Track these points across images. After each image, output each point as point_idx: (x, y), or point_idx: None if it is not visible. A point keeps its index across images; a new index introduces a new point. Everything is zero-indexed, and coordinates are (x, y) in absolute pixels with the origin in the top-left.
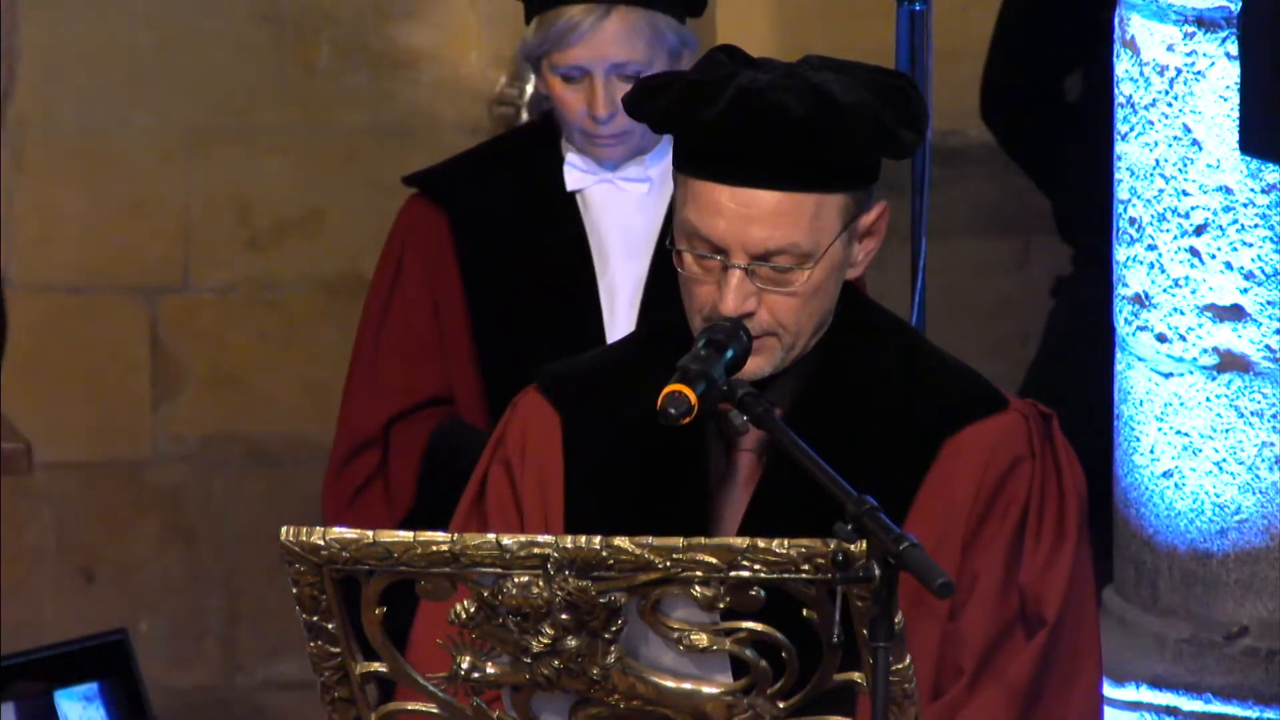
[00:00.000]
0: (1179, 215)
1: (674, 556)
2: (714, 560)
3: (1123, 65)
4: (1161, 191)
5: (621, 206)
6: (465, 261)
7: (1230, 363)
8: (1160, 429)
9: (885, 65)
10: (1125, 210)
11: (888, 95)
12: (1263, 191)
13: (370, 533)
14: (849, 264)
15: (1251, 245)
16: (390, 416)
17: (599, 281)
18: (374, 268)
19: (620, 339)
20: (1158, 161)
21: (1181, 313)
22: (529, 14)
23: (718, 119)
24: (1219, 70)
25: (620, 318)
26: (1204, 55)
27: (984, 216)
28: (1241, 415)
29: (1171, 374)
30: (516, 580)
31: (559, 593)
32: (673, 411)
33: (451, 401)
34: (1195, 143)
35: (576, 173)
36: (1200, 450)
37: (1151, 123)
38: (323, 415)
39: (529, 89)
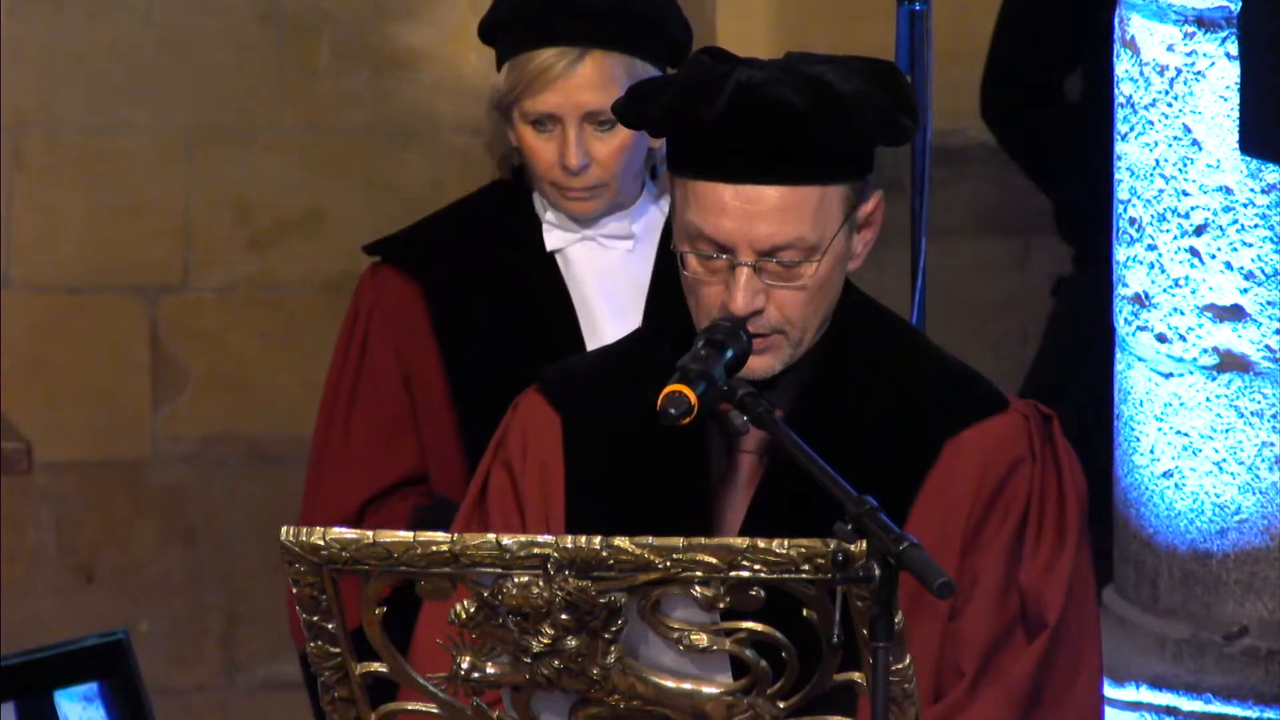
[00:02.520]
0: (1179, 215)
1: (674, 556)
2: (714, 560)
3: (1123, 65)
4: (1161, 191)
5: (606, 264)
6: (443, 332)
7: (1230, 363)
8: (1160, 429)
9: None
10: (1125, 210)
11: (881, 81)
12: (1263, 191)
13: (370, 533)
14: (850, 256)
15: (1251, 245)
16: (364, 500)
17: (587, 344)
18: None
19: (619, 339)
20: (1158, 161)
21: (1181, 313)
22: (500, 60)
23: (719, 117)
24: (1219, 70)
25: None
26: (1204, 55)
27: (984, 216)
28: (1241, 415)
29: (1171, 374)
30: (516, 580)
31: (559, 593)
32: (673, 412)
33: (426, 480)
34: (1195, 143)
35: (556, 232)
36: (1200, 450)
37: (1151, 123)
38: None
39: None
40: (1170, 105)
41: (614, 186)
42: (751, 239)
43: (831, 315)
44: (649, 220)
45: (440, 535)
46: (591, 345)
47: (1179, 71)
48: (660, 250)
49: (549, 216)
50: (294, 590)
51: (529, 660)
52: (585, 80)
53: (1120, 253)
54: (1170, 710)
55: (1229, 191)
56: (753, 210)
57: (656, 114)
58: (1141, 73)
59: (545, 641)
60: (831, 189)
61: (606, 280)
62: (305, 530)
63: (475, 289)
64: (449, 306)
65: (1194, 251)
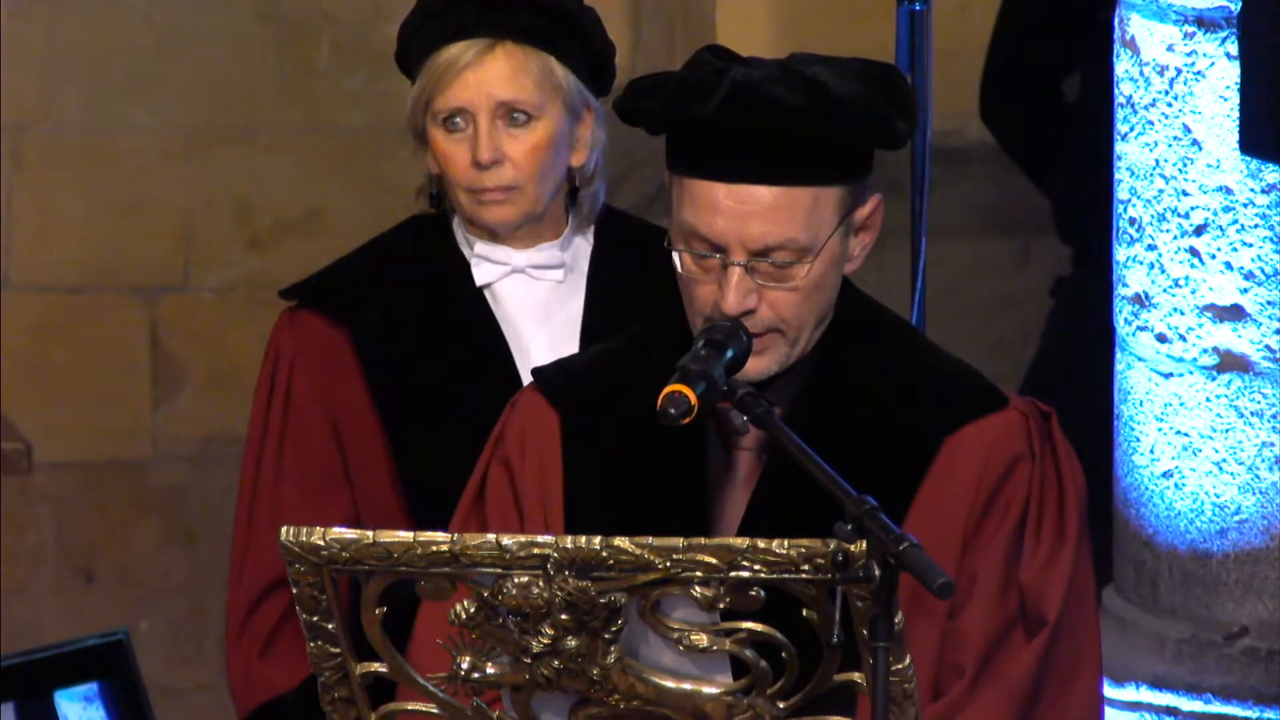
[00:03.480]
0: (1179, 215)
1: (674, 556)
2: (714, 560)
3: (1123, 65)
4: (1161, 191)
5: (536, 299)
6: (373, 377)
7: (1230, 363)
8: (1160, 429)
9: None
10: (1125, 210)
11: (879, 84)
12: (1263, 191)
13: (370, 533)
14: (846, 258)
15: (1251, 245)
16: None
17: (523, 380)
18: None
19: (617, 337)
20: (1158, 161)
21: (1181, 313)
22: (412, 75)
23: (713, 115)
24: (1219, 70)
25: None
26: (1204, 55)
27: (984, 216)
28: (1241, 415)
29: (1171, 374)
30: (516, 580)
31: (559, 593)
32: (673, 411)
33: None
34: (1195, 143)
35: (485, 265)
36: (1200, 450)
37: (1151, 123)
38: None
39: None
40: (1170, 105)
41: (530, 192)
42: (744, 238)
43: (829, 315)
44: (576, 250)
45: (440, 535)
46: (527, 382)
47: (1179, 71)
48: (590, 280)
49: (476, 249)
50: (294, 590)
51: (529, 660)
52: (496, 71)
53: (1120, 253)
54: (1170, 710)
55: (1229, 191)
56: (746, 210)
57: (655, 110)
58: (1141, 73)
59: (545, 641)
60: (826, 191)
61: (539, 314)
62: (305, 530)
63: (404, 330)
64: (377, 349)
65: (1194, 251)
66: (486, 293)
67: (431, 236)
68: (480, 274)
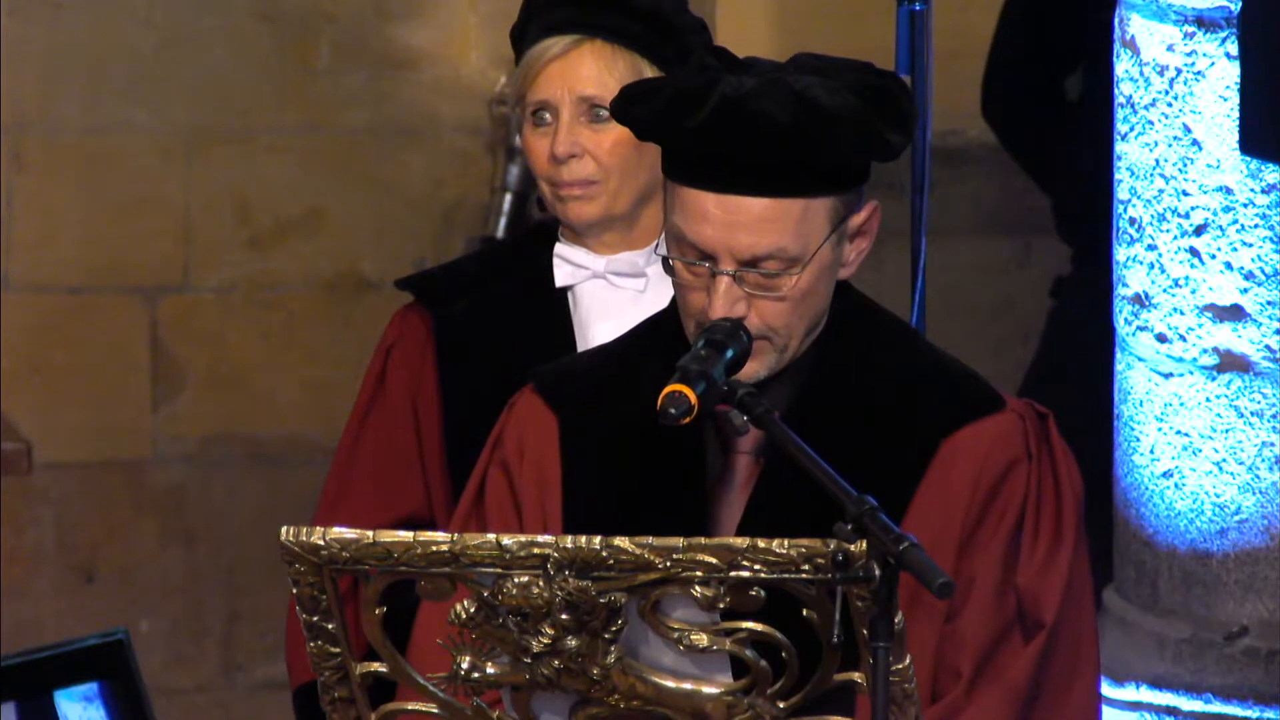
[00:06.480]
0: (1179, 215)
1: (674, 556)
2: (714, 560)
3: (1123, 65)
4: (1161, 191)
5: (614, 306)
6: (445, 368)
7: (1230, 363)
8: (1160, 429)
9: (885, 65)
10: (1125, 210)
11: (874, 97)
12: (1263, 191)
13: (370, 533)
14: (840, 265)
15: (1251, 245)
16: None
17: None
18: (373, 268)
19: (615, 339)
20: (1158, 161)
21: (1181, 313)
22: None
23: (701, 128)
24: (1219, 70)
25: None
26: (1204, 55)
27: (984, 216)
28: (1241, 415)
29: (1171, 374)
30: (516, 580)
31: (559, 593)
32: (673, 411)
33: (432, 523)
34: (1195, 143)
35: (567, 267)
36: (1200, 450)
37: (1151, 123)
38: (323, 415)
39: None
40: (1170, 105)
41: (611, 187)
42: (732, 248)
43: (822, 321)
44: None
45: (440, 535)
46: None
47: (1179, 71)
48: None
49: (557, 250)
50: (294, 590)
51: (529, 660)
52: (581, 66)
53: (1120, 253)
54: (1170, 710)
55: (1229, 191)
56: (734, 220)
57: (645, 118)
58: (1141, 73)
59: (545, 641)
60: (817, 201)
61: (614, 323)
62: (305, 530)
63: (483, 326)
64: (455, 342)
65: (1194, 251)
66: (569, 295)
67: (542, 239)
68: (560, 275)
